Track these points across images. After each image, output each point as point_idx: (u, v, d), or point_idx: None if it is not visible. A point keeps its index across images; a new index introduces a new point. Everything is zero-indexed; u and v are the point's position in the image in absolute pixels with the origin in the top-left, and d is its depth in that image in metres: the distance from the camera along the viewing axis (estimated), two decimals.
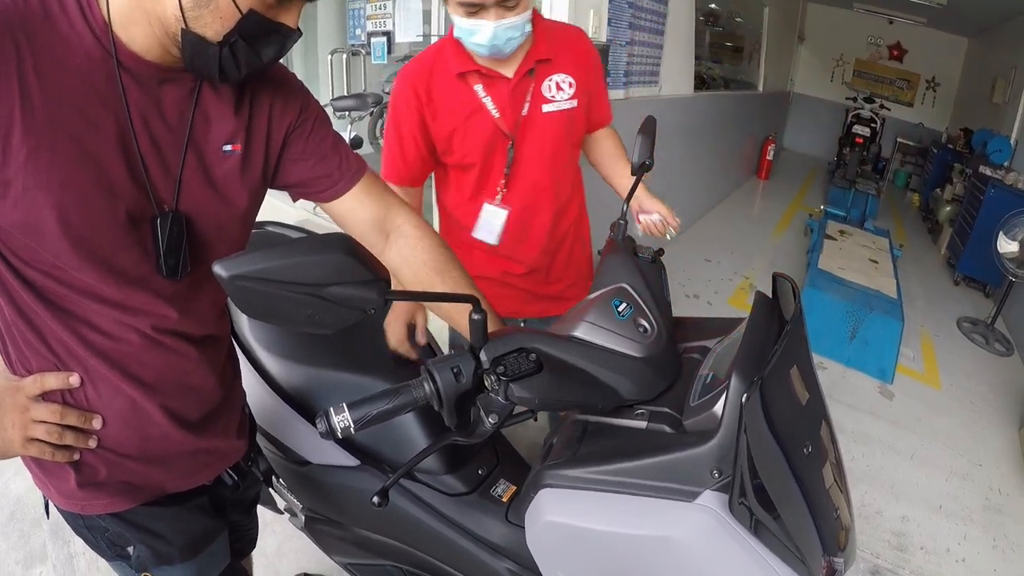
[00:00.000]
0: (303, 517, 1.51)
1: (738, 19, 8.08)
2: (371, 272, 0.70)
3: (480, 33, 1.34)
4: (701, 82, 6.61)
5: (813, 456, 0.82)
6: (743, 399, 0.73)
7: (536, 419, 0.95)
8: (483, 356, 0.82)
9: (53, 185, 0.72)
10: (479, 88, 1.48)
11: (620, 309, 0.95)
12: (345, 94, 4.72)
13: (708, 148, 5.80)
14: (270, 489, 1.62)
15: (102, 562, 1.10)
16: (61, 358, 0.85)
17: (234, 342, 1.38)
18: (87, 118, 0.74)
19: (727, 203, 6.88)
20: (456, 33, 1.41)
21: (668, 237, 1.51)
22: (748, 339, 0.84)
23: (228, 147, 0.89)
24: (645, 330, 0.94)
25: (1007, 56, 6.62)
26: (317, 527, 1.50)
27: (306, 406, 1.38)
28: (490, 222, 1.59)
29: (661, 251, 1.19)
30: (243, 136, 0.90)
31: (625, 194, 1.28)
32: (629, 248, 1.12)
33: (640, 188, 1.47)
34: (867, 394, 3.31)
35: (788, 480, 0.78)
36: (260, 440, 1.45)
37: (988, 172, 5.22)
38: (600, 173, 1.78)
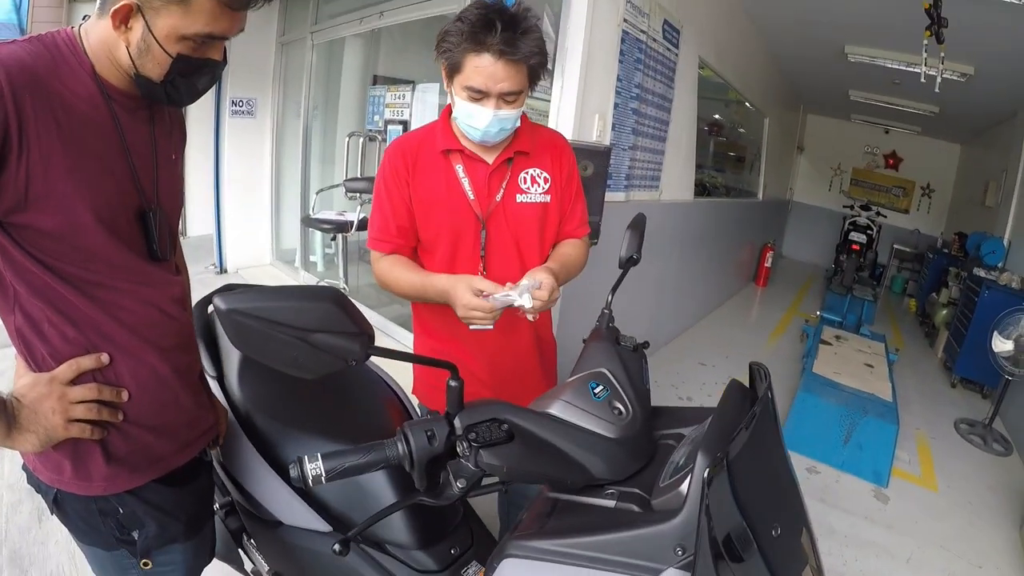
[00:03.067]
0: None
1: (741, 129, 8.50)
2: (356, 326, 0.77)
3: (478, 118, 1.43)
4: (704, 189, 6.92)
5: (784, 539, 0.84)
6: (705, 475, 0.76)
7: (507, 492, 0.99)
8: (457, 422, 0.86)
9: (86, 192, 0.94)
10: (459, 168, 1.56)
11: (596, 391, 1.00)
12: (358, 176, 4.92)
13: (706, 254, 5.97)
14: (239, 550, 1.61)
15: None
16: (92, 341, 1.02)
17: (222, 392, 1.52)
18: (102, 139, 0.98)
19: (724, 309, 7.01)
20: (455, 113, 1.50)
21: (530, 318, 1.43)
22: (716, 421, 0.87)
23: (173, 155, 1.16)
24: (620, 412, 0.99)
25: (997, 160, 6.89)
26: None
27: (285, 467, 1.38)
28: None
29: (646, 343, 1.27)
30: (177, 145, 1.19)
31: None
32: (612, 336, 1.20)
33: (553, 270, 1.47)
34: (862, 498, 3.30)
35: (755, 560, 0.80)
36: (234, 494, 1.49)
37: (982, 274, 5.39)
38: None
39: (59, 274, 0.96)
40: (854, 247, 8.27)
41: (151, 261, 1.08)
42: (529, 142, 1.61)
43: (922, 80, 4.33)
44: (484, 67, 1.37)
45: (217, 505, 1.55)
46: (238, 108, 6.55)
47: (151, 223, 1.06)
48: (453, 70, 1.44)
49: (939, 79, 4.35)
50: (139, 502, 1.10)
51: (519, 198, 1.60)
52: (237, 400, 1.52)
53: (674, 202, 4.79)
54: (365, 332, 0.79)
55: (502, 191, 1.58)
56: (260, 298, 0.74)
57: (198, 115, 6.60)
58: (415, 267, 1.58)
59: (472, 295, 1.36)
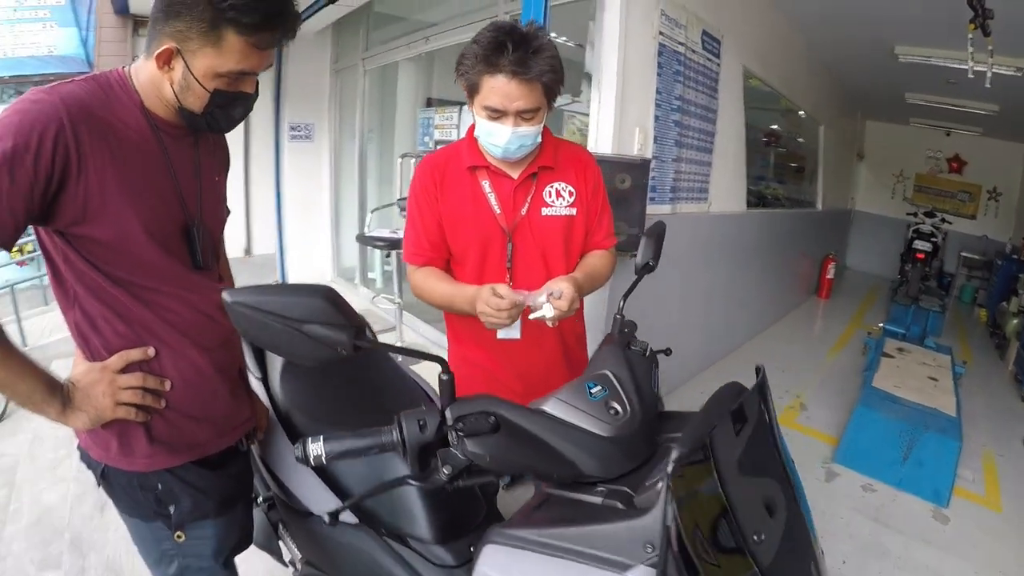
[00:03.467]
0: (302, 568, 1.57)
1: (800, 140, 8.33)
2: (345, 319, 0.85)
3: (497, 135, 1.51)
4: (763, 200, 6.80)
5: (768, 546, 0.85)
6: (669, 470, 0.78)
7: (499, 483, 1.03)
8: (448, 413, 0.92)
9: (136, 208, 1.10)
10: (486, 183, 1.63)
11: (593, 391, 1.04)
12: None
13: (761, 266, 5.85)
14: (279, 541, 1.71)
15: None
16: (141, 336, 1.17)
17: (265, 392, 1.65)
18: (147, 162, 1.13)
19: (783, 322, 6.83)
20: (476, 132, 1.58)
21: (549, 324, 1.47)
22: (700, 418, 0.90)
23: (216, 177, 1.33)
24: (616, 412, 1.03)
25: None
26: None
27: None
28: None
29: (668, 350, 1.33)
30: (220, 168, 1.36)
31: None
32: (623, 341, 1.24)
33: (576, 280, 1.53)
34: (918, 518, 3.15)
35: (733, 562, 0.82)
36: (272, 486, 1.61)
37: None
38: None
39: (112, 278, 1.12)
40: (919, 256, 7.95)
41: (195, 270, 1.23)
42: (553, 157, 1.67)
43: (970, 76, 4.16)
44: (499, 87, 1.44)
45: (260, 498, 1.67)
46: (296, 133, 6.87)
47: (195, 237, 1.22)
48: (472, 91, 1.52)
49: (989, 74, 4.17)
50: (176, 480, 1.23)
51: (544, 211, 1.66)
52: (278, 399, 1.64)
53: (724, 214, 4.73)
54: (354, 324, 0.86)
55: (527, 205, 1.64)
56: (260, 292, 0.84)
57: (260, 140, 6.94)
58: (447, 279, 1.66)
59: (491, 296, 1.42)
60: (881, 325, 5.77)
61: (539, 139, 1.59)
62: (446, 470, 0.93)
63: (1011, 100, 6.36)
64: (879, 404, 3.76)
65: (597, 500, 0.96)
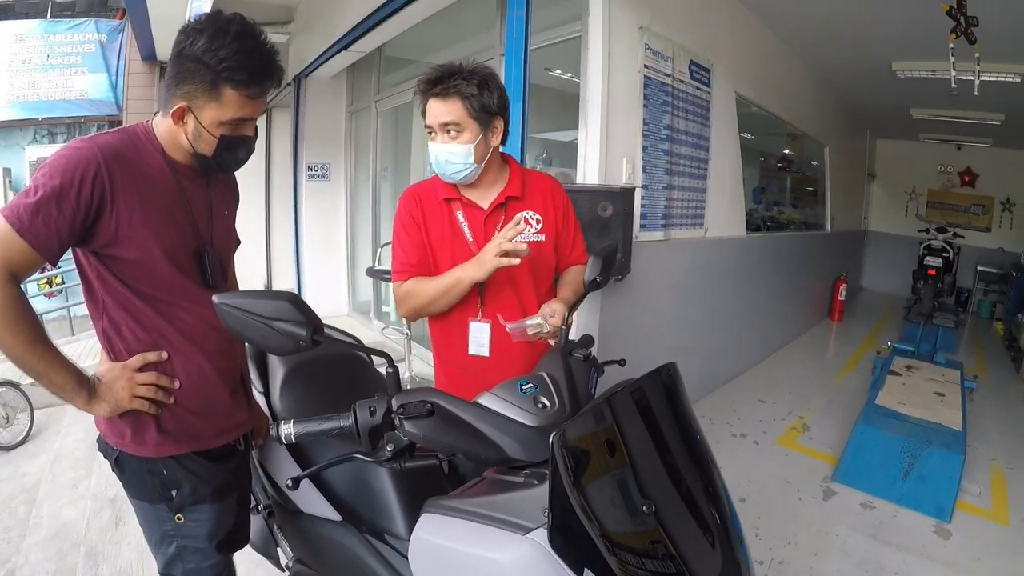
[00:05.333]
0: (292, 566, 1.73)
1: (814, 163, 8.37)
2: (306, 318, 1.06)
3: (432, 152, 1.71)
4: (777, 224, 6.81)
5: (662, 515, 0.96)
6: (551, 440, 0.92)
7: (441, 464, 1.19)
8: (394, 402, 1.10)
9: (157, 235, 1.33)
10: (459, 214, 1.79)
11: (524, 388, 1.19)
12: None
13: (767, 290, 5.88)
14: (277, 547, 1.86)
15: None
16: (157, 342, 1.39)
17: (265, 401, 1.86)
18: (167, 198, 1.37)
19: (792, 346, 6.82)
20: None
21: (551, 342, 1.62)
22: (596, 400, 1.04)
23: (226, 211, 1.57)
24: (544, 406, 1.17)
25: None
26: None
27: (307, 461, 1.66)
28: (477, 337, 1.79)
29: (622, 361, 1.50)
30: (230, 204, 1.60)
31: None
32: (566, 349, 1.39)
33: (563, 300, 1.70)
34: (919, 534, 3.13)
35: (625, 528, 0.94)
36: (269, 489, 1.80)
37: None
38: None
39: (136, 291, 1.35)
40: (930, 272, 7.86)
41: (205, 288, 1.44)
42: (520, 187, 1.82)
43: (952, 85, 4.21)
44: (428, 108, 1.69)
45: (261, 505, 1.87)
46: (313, 172, 7.14)
47: (205, 260, 1.45)
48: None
49: (977, 82, 4.22)
50: (179, 467, 1.43)
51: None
52: (278, 411, 1.85)
53: (722, 238, 4.81)
54: (312, 323, 1.07)
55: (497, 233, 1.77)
56: (240, 296, 1.08)
57: (280, 181, 7.21)
58: (431, 277, 1.79)
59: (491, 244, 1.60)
60: (890, 344, 5.74)
61: (470, 161, 1.70)
62: (389, 448, 1.13)
63: (1016, 108, 6.37)
64: (880, 421, 3.76)
65: (520, 479, 1.09)
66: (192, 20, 1.31)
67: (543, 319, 1.57)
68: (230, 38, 1.27)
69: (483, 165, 1.75)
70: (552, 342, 1.61)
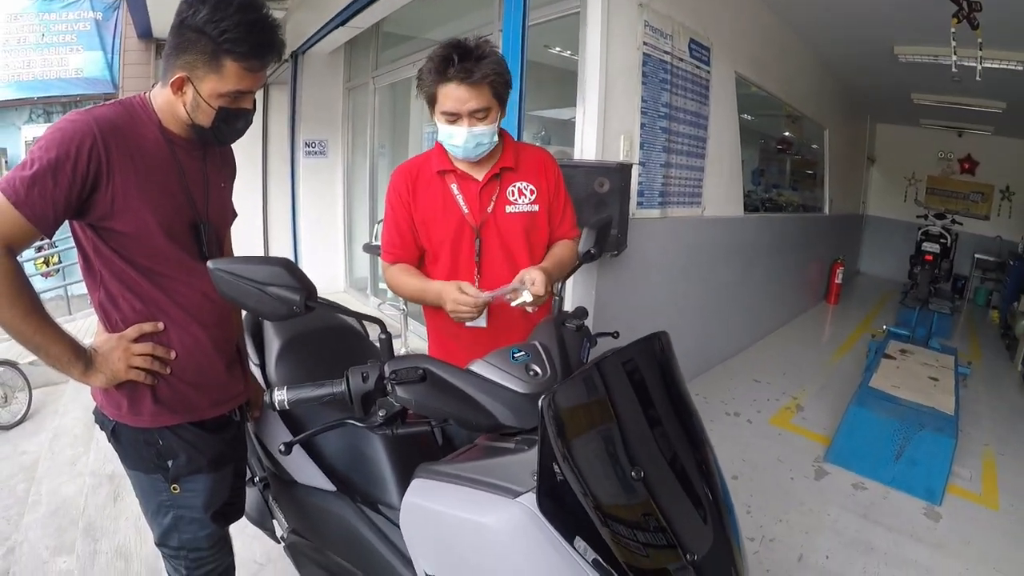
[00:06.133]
0: (287, 536, 1.74)
1: (814, 146, 8.34)
2: (299, 284, 1.06)
3: (456, 137, 1.68)
4: (776, 206, 6.79)
5: (651, 482, 0.96)
6: (540, 403, 0.91)
7: (433, 432, 1.19)
8: (386, 368, 1.10)
9: (151, 207, 1.32)
10: (454, 186, 1.79)
11: (516, 356, 1.19)
12: None
13: (763, 271, 5.88)
14: (272, 520, 1.88)
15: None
16: (153, 313, 1.39)
17: (261, 373, 1.88)
18: (163, 170, 1.36)
19: (789, 327, 6.84)
20: (439, 137, 1.75)
21: (530, 309, 1.62)
22: (585, 366, 1.05)
23: (222, 184, 1.56)
24: (536, 374, 1.17)
25: None
26: (297, 548, 1.72)
27: (301, 431, 1.64)
28: None
29: (615, 333, 1.50)
30: (226, 177, 1.60)
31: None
32: (559, 318, 1.39)
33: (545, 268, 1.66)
34: (910, 516, 3.16)
35: (614, 494, 0.94)
36: (264, 460, 1.82)
37: None
38: None
39: (132, 264, 1.35)
40: (927, 257, 7.86)
41: (201, 260, 1.42)
42: (514, 159, 1.83)
43: (953, 70, 4.17)
44: (451, 93, 1.63)
45: (256, 478, 1.89)
46: (311, 149, 7.10)
47: (201, 232, 1.44)
48: (431, 102, 1.70)
49: (979, 68, 4.19)
50: (175, 437, 1.44)
51: (508, 209, 1.81)
52: (273, 382, 1.86)
53: (719, 218, 4.81)
54: (306, 289, 1.07)
55: (492, 203, 1.80)
56: (234, 261, 1.07)
57: (277, 157, 7.17)
58: (416, 274, 1.82)
59: (459, 293, 1.57)
60: (885, 328, 5.75)
61: (495, 139, 1.74)
62: (381, 413, 1.12)
63: (1018, 96, 6.33)
64: (873, 403, 3.78)
65: (511, 445, 1.10)
66: None
67: (520, 284, 1.56)
68: (232, 9, 1.26)
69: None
70: (531, 310, 1.61)
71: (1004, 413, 4.79)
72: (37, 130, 8.17)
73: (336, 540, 1.56)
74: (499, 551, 0.97)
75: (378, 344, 1.16)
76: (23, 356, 4.59)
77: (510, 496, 0.96)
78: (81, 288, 7.66)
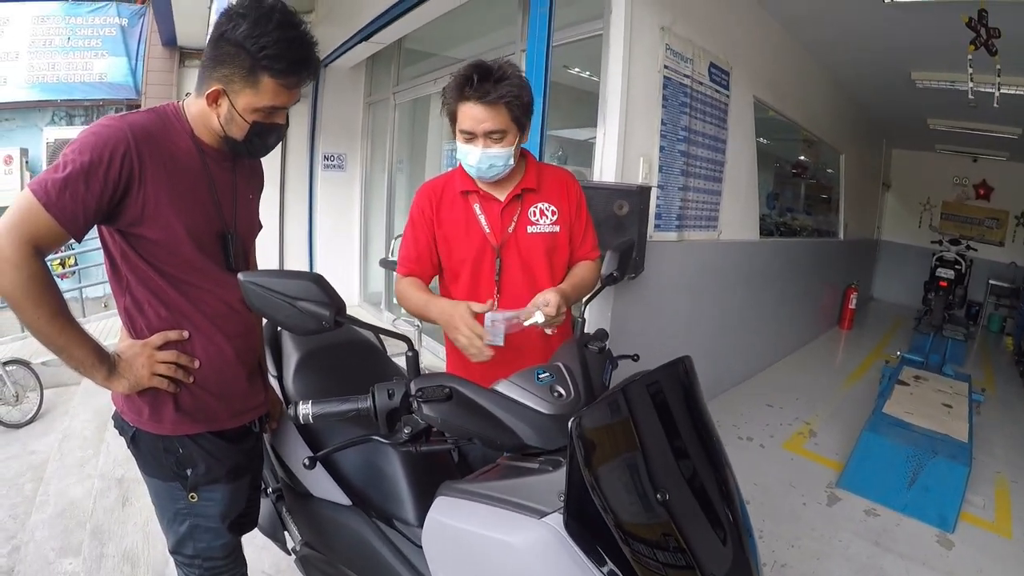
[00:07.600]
0: (300, 549, 1.74)
1: (829, 170, 8.34)
2: (329, 299, 1.07)
3: (470, 156, 1.70)
4: (790, 231, 6.78)
5: (674, 504, 0.97)
6: (570, 426, 0.92)
7: (455, 451, 1.21)
8: (412, 385, 1.11)
9: (181, 215, 1.33)
10: (476, 206, 1.81)
11: (541, 377, 1.20)
12: None
13: (777, 295, 5.86)
14: (284, 531, 1.88)
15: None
16: (178, 321, 1.40)
17: (279, 385, 1.88)
18: (193, 180, 1.37)
19: (802, 352, 6.81)
20: (457, 154, 1.77)
21: (548, 331, 1.64)
22: (611, 390, 1.06)
23: (251, 196, 1.58)
24: (560, 395, 1.19)
25: None
26: (309, 561, 1.72)
27: (319, 445, 1.66)
28: (492, 327, 1.78)
29: (635, 356, 1.51)
30: (255, 189, 1.61)
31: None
32: (582, 340, 1.41)
33: (563, 290, 1.69)
34: (922, 543, 3.14)
35: (638, 516, 0.95)
36: (279, 472, 1.81)
37: None
38: None
39: (159, 271, 1.36)
40: (942, 283, 7.83)
41: (227, 271, 1.45)
42: (536, 180, 1.85)
43: (969, 97, 4.18)
44: (468, 112, 1.66)
45: (270, 489, 1.89)
46: (329, 162, 7.16)
47: (228, 242, 1.46)
48: (452, 119, 1.73)
49: (996, 94, 4.19)
50: (195, 446, 1.45)
51: (530, 229, 1.83)
52: (291, 394, 1.87)
53: (735, 241, 4.82)
54: (335, 304, 1.08)
55: (514, 223, 1.82)
56: (266, 274, 1.09)
57: (295, 169, 7.25)
58: (423, 289, 1.82)
59: (470, 318, 1.58)
60: (899, 354, 5.72)
61: (511, 162, 1.75)
62: (406, 430, 1.12)
63: None
64: (887, 430, 3.76)
65: (535, 465, 1.11)
66: (234, 3, 1.31)
67: (534, 306, 1.57)
68: (272, 26, 1.28)
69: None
70: (549, 331, 1.63)
71: (1018, 440, 4.74)
72: (59, 132, 8.27)
73: (350, 554, 1.56)
74: (524, 570, 0.98)
75: (396, 360, 1.18)
76: (35, 356, 4.64)
77: (536, 516, 0.98)
78: (96, 291, 7.77)
